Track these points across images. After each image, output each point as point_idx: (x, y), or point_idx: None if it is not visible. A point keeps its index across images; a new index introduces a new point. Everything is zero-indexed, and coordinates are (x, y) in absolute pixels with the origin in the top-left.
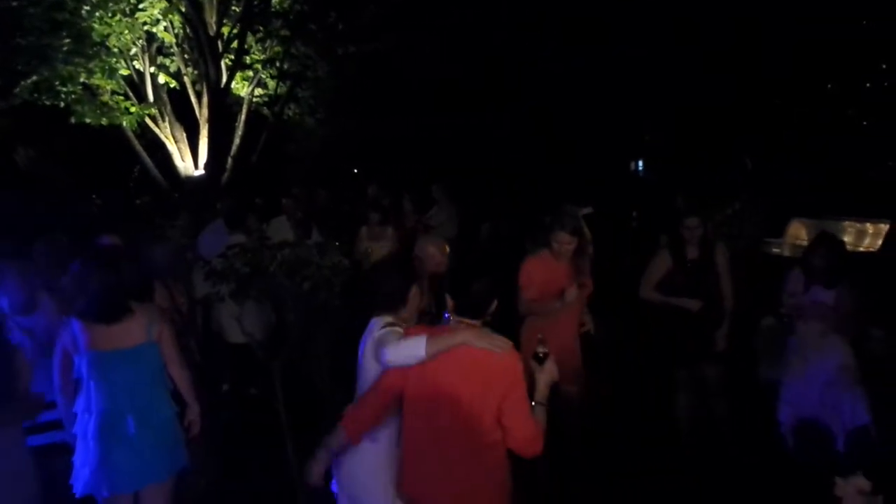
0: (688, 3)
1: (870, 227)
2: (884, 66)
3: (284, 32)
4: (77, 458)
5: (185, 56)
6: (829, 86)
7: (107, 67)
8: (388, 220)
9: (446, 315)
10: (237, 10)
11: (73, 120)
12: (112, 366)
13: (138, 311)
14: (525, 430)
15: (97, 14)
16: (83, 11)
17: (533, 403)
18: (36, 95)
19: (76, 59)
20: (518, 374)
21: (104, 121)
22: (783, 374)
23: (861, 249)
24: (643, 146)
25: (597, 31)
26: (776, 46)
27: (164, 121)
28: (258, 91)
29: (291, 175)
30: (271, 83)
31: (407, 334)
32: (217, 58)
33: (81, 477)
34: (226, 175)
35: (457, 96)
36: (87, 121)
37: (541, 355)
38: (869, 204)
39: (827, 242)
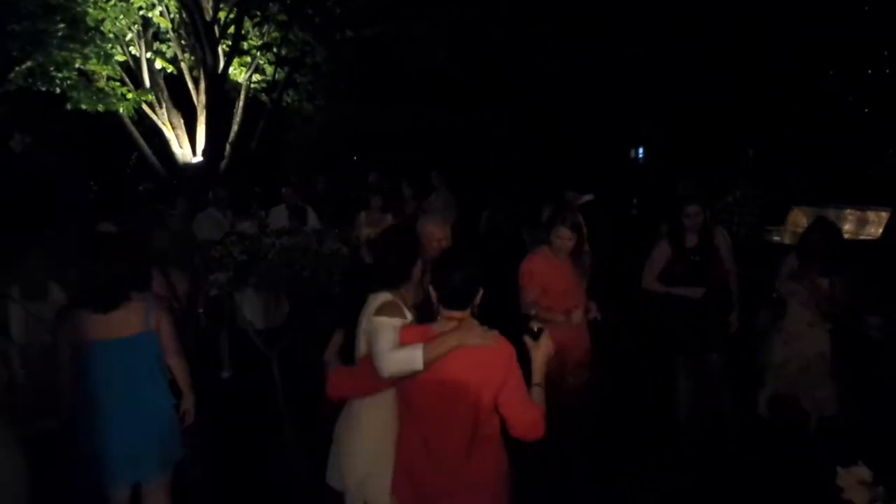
0: (687, 1)
1: (871, 216)
2: (885, 64)
3: (282, 17)
4: (74, 450)
5: (182, 41)
6: (828, 83)
7: (102, 53)
8: (388, 207)
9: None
10: None
11: (69, 106)
12: (109, 355)
13: (136, 299)
14: (525, 415)
15: None
16: None
17: (531, 386)
18: (31, 81)
19: (71, 45)
20: (512, 362)
21: (100, 107)
22: (766, 357)
23: (862, 237)
24: (642, 142)
25: (596, 28)
26: (775, 44)
27: (161, 107)
28: (256, 77)
29: (290, 162)
30: (269, 69)
31: (403, 339)
32: (214, 43)
33: (78, 469)
34: (224, 162)
35: (456, 93)
36: (84, 107)
37: (535, 330)
38: (868, 200)
39: (823, 228)
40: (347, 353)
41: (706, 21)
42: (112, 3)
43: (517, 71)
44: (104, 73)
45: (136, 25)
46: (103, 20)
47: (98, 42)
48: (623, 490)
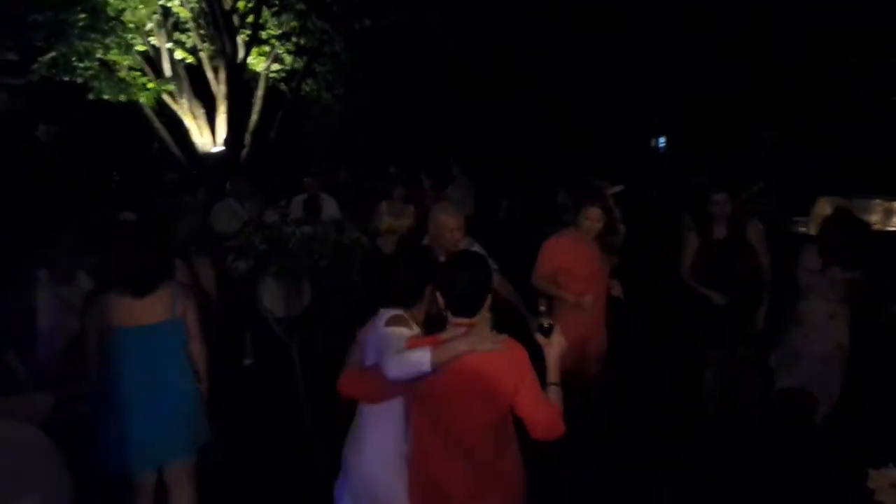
0: None
1: None
2: None
3: (300, 6)
4: (101, 434)
5: (201, 31)
6: (841, 72)
7: (123, 43)
8: (410, 197)
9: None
10: None
11: (90, 96)
12: (136, 341)
13: (163, 286)
14: (543, 416)
15: None
16: None
17: (546, 386)
18: (54, 72)
19: (92, 35)
20: (525, 365)
21: (122, 97)
22: (783, 349)
23: (890, 228)
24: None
25: (609, 18)
26: (789, 33)
27: (181, 97)
28: (275, 66)
29: (309, 152)
30: (288, 58)
31: (410, 345)
32: (233, 32)
33: (105, 453)
34: (244, 151)
35: (469, 83)
36: (105, 97)
37: (546, 326)
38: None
39: (844, 224)
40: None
41: (719, 10)
42: None
43: (530, 61)
44: (125, 64)
45: (156, 15)
46: (124, 10)
47: (119, 32)
48: (636, 483)
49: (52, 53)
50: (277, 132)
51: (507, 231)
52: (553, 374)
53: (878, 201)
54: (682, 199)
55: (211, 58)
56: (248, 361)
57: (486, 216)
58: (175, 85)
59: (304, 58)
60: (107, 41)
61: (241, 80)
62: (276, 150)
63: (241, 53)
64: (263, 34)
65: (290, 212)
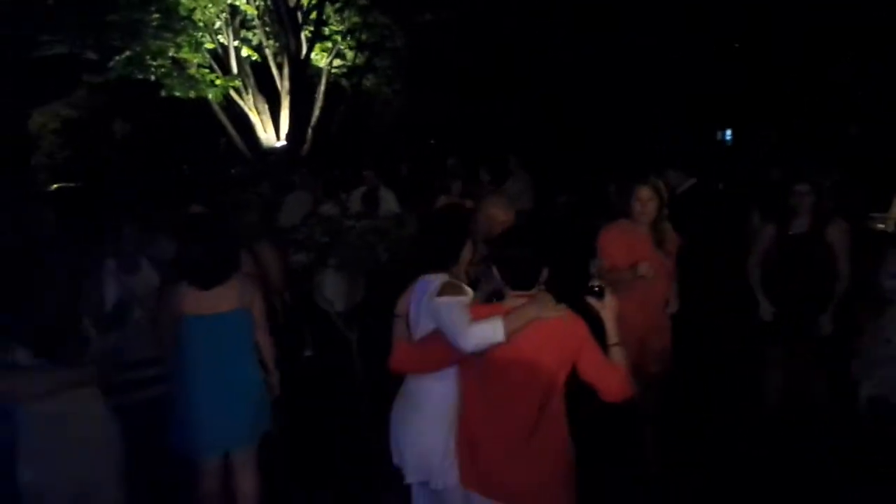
0: None
1: None
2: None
3: (363, 2)
4: (173, 417)
5: (266, 28)
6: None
7: (193, 41)
8: (468, 191)
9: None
10: None
11: (163, 93)
12: (204, 329)
13: (234, 277)
14: (610, 376)
15: None
16: None
17: (608, 348)
18: (129, 70)
19: (165, 34)
20: (585, 332)
21: (192, 93)
22: (867, 354)
23: None
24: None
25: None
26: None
27: (247, 93)
28: (337, 62)
29: (370, 146)
30: (349, 54)
31: (475, 314)
32: (297, 29)
33: (175, 435)
34: (306, 146)
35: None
36: (177, 94)
37: (597, 289)
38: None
39: None
40: None
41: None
42: None
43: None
44: (195, 61)
45: (224, 14)
46: (194, 9)
47: (189, 31)
48: (693, 482)
49: (128, 52)
50: (339, 127)
51: (566, 226)
52: (612, 335)
53: None
54: (751, 193)
55: (275, 54)
56: (307, 353)
57: (545, 211)
58: (241, 81)
59: (366, 53)
60: (178, 40)
61: (304, 76)
62: (338, 145)
63: (304, 50)
64: (326, 30)
65: (350, 205)
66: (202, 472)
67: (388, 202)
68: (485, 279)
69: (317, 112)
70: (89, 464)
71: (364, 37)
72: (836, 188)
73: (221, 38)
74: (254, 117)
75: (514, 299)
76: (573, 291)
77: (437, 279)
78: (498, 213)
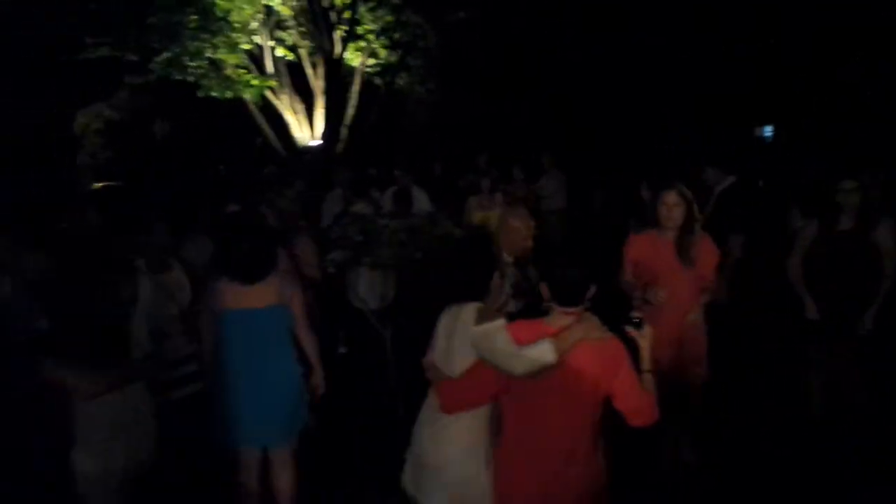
0: None
1: None
2: None
3: (396, 0)
4: (214, 412)
5: (301, 29)
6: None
7: (230, 42)
8: (496, 187)
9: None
10: None
11: (200, 94)
12: (244, 323)
13: (273, 274)
14: (639, 403)
15: None
16: None
17: (641, 373)
18: (168, 71)
19: (202, 35)
20: (624, 353)
21: (229, 94)
22: None
23: None
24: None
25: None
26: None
27: (282, 93)
28: (370, 61)
29: (403, 145)
30: (383, 53)
31: (516, 335)
32: (330, 29)
33: (217, 430)
34: (341, 145)
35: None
36: (214, 94)
37: (636, 320)
38: None
39: None
40: None
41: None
42: None
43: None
44: (231, 62)
45: (259, 14)
46: (231, 11)
47: (226, 32)
48: (709, 482)
49: (167, 54)
50: (372, 125)
51: (601, 224)
52: (647, 362)
53: None
54: (792, 190)
55: (310, 54)
56: (341, 350)
57: (579, 209)
58: (276, 81)
59: (399, 52)
60: (215, 41)
61: (338, 76)
62: (372, 143)
63: (338, 49)
64: (360, 29)
65: (382, 204)
66: (240, 465)
67: (421, 201)
68: (499, 289)
69: (351, 111)
70: (136, 452)
71: (397, 36)
72: (882, 186)
73: (257, 39)
74: (289, 116)
75: (560, 316)
76: (614, 317)
77: (465, 309)
78: (520, 227)
